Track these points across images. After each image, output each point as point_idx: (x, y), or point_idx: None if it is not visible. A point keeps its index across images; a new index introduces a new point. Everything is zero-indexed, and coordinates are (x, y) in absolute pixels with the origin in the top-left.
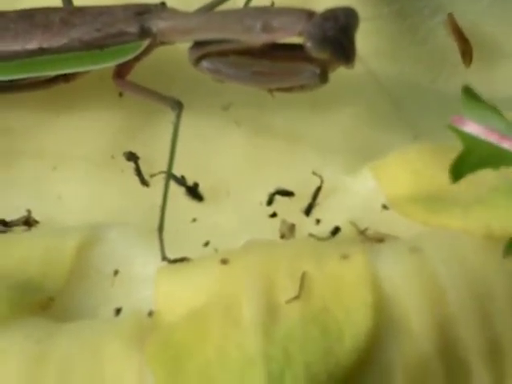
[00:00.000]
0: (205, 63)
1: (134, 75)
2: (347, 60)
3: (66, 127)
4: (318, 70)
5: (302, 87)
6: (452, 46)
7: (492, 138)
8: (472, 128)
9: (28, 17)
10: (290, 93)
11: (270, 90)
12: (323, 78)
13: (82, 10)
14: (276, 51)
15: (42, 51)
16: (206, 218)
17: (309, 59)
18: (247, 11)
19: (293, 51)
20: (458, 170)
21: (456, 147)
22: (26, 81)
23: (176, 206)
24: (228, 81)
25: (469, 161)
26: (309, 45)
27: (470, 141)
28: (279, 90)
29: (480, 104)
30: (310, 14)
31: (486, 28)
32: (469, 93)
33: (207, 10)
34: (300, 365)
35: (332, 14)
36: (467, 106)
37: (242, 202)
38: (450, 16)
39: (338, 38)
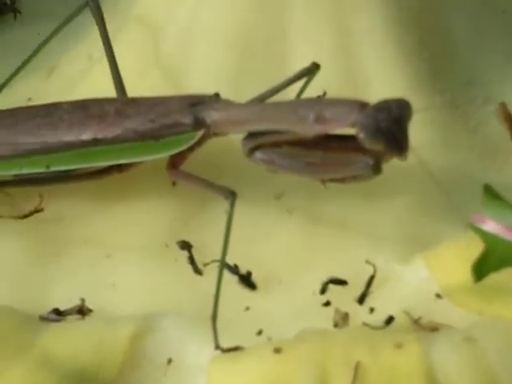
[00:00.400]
0: (258, 154)
1: (188, 165)
2: (400, 152)
3: (120, 216)
4: (371, 161)
5: (355, 178)
6: (504, 135)
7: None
8: (492, 227)
9: (83, 108)
10: (343, 184)
11: (323, 181)
12: (376, 169)
13: (136, 100)
14: (329, 142)
15: (96, 142)
16: (259, 307)
17: (362, 150)
18: (300, 102)
19: (346, 142)
20: (481, 269)
21: None
22: (80, 171)
23: (229, 294)
24: (282, 171)
25: (491, 260)
26: (362, 136)
27: (490, 240)
28: (332, 180)
29: (500, 202)
30: (362, 105)
31: None
32: (489, 191)
33: (260, 100)
34: None
35: (385, 105)
36: (488, 205)
37: (294, 291)
38: (502, 105)
39: (391, 129)
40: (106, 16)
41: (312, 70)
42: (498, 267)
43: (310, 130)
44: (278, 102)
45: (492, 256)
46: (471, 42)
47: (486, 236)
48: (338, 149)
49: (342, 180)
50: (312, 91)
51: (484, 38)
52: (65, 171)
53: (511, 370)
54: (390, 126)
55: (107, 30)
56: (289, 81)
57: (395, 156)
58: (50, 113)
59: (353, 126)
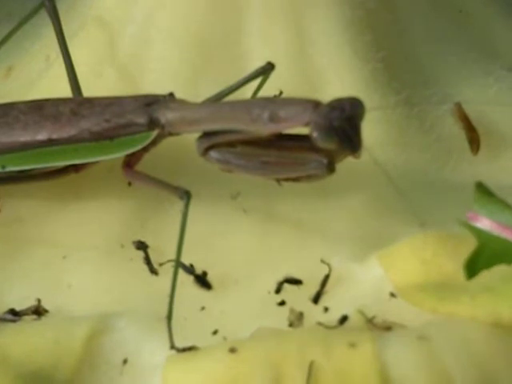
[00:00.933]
0: (213, 154)
1: (142, 165)
2: (354, 150)
3: (76, 216)
4: (325, 160)
5: (309, 177)
6: (459, 134)
7: (505, 233)
8: (485, 224)
9: (38, 108)
10: (298, 183)
11: (278, 180)
12: (330, 168)
13: (91, 101)
14: (283, 141)
15: (51, 142)
16: (215, 307)
17: (316, 149)
18: (254, 102)
19: (300, 141)
20: (473, 266)
21: (463, 236)
22: (36, 171)
23: (185, 294)
24: (236, 171)
25: (483, 257)
26: (315, 135)
27: (483, 237)
28: (287, 179)
29: (493, 199)
30: (316, 104)
31: (493, 116)
32: (481, 188)
33: (215, 100)
34: None
35: (338, 104)
36: (480, 202)
37: (250, 290)
38: (458, 105)
39: (344, 128)
40: (63, 16)
41: (267, 69)
42: (490, 264)
43: (264, 129)
44: (233, 101)
45: (485, 253)
46: (427, 41)
47: (479, 233)
48: (292, 148)
49: (296, 179)
50: (268, 91)
51: (440, 37)
52: (20, 171)
53: (465, 368)
54: (343, 125)
55: (63, 31)
56: (244, 80)
57: (349, 154)
58: (6, 113)
59: (306, 125)
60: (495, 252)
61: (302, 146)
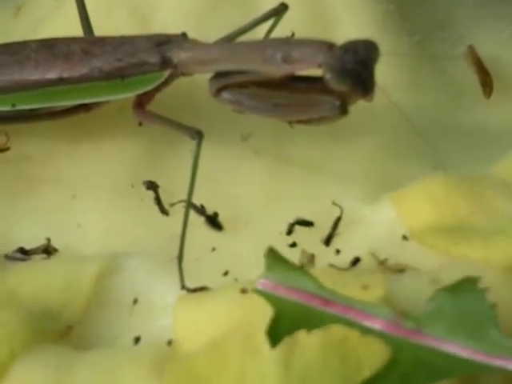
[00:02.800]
0: (225, 94)
1: (154, 105)
2: (366, 92)
3: (86, 156)
4: (337, 102)
5: (321, 119)
6: (473, 77)
7: (302, 298)
8: (280, 290)
9: (49, 46)
10: (310, 125)
11: (290, 122)
12: (343, 110)
13: (102, 40)
14: (296, 83)
15: (62, 81)
16: (226, 248)
17: (328, 91)
18: (268, 42)
19: (313, 83)
20: (274, 335)
21: (477, 177)
22: (47, 110)
23: (195, 235)
24: (248, 112)
25: (283, 324)
26: (328, 76)
27: (280, 304)
28: (299, 122)
29: (284, 264)
30: (330, 46)
31: (506, 59)
32: (272, 254)
33: (227, 40)
34: None
35: (352, 46)
36: (272, 268)
37: (261, 232)
38: (471, 48)
39: (357, 70)
40: None
41: (280, 10)
42: (290, 330)
43: (278, 70)
44: (246, 41)
45: (283, 320)
46: None
47: (273, 300)
48: (304, 90)
49: (308, 121)
50: (280, 32)
51: None
52: (31, 110)
53: None
54: (356, 67)
55: None
56: (257, 21)
57: (361, 97)
58: (17, 51)
59: (319, 66)
60: (294, 318)
61: (314, 87)
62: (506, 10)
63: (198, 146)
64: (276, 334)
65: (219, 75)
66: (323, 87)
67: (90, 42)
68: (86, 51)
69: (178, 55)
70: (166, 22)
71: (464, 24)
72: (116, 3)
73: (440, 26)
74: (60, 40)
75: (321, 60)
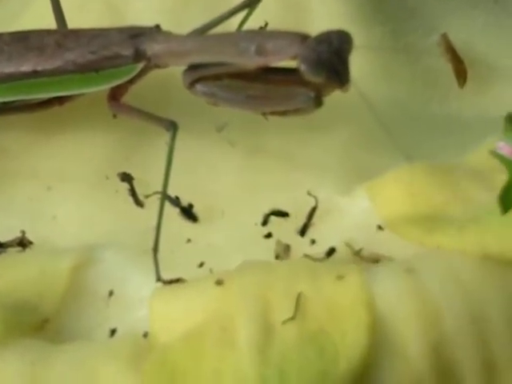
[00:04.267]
0: (199, 87)
1: (128, 97)
2: (341, 83)
3: (61, 148)
4: (312, 94)
5: (296, 111)
6: (446, 66)
7: None
8: None
9: (22, 39)
10: (285, 117)
11: (265, 114)
12: (318, 101)
13: (76, 32)
14: (270, 75)
15: (36, 74)
16: (201, 239)
17: (303, 83)
18: (242, 34)
19: (287, 75)
20: (507, 198)
21: (451, 166)
22: (20, 103)
23: (171, 226)
24: (222, 104)
25: None
26: (303, 68)
27: None
28: (273, 113)
29: None
30: (303, 37)
31: (480, 48)
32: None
33: (201, 32)
34: None
35: (326, 37)
36: (510, 132)
37: (236, 223)
38: (444, 36)
39: (332, 61)
40: None
41: (253, 1)
42: None
43: (251, 62)
44: (220, 33)
45: None
46: None
47: (509, 164)
48: (279, 82)
49: (283, 113)
50: (253, 23)
51: None
52: (4, 103)
53: (452, 300)
54: (331, 58)
55: None
56: (231, 12)
57: (336, 88)
58: None
59: (294, 58)
60: None
61: (289, 79)
62: None
63: (173, 137)
64: (509, 198)
65: (193, 67)
66: (298, 79)
67: (63, 35)
68: (60, 44)
69: (152, 48)
70: (140, 15)
71: (437, 13)
72: None
73: (412, 15)
74: (33, 33)
75: (295, 52)
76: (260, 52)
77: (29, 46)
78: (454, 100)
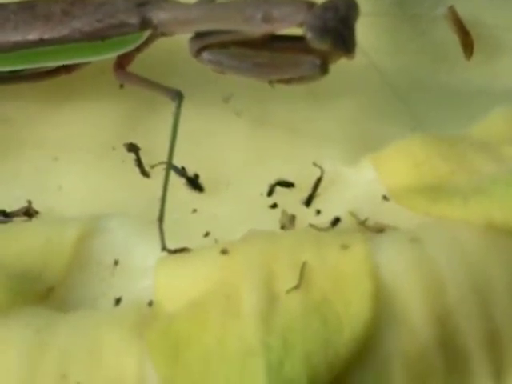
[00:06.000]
0: (205, 55)
1: (135, 67)
2: (347, 51)
3: (67, 118)
4: (318, 61)
5: (302, 79)
6: (453, 38)
7: None
8: None
9: (29, 8)
10: (291, 85)
11: (271, 82)
12: (323, 69)
13: (83, 1)
14: (276, 43)
15: (42, 42)
16: (207, 209)
17: (309, 50)
18: (248, 2)
19: (293, 43)
20: None
21: (457, 137)
22: (27, 72)
23: (176, 196)
24: (229, 72)
25: None
26: (309, 35)
27: None
28: (280, 81)
29: None
30: (310, 5)
31: (487, 20)
32: None
33: (208, 0)
34: (299, 355)
35: (332, 5)
36: None
37: (242, 193)
38: (451, 8)
39: (338, 28)
40: None
41: None
42: None
43: (258, 29)
44: (226, 1)
45: None
46: None
47: None
48: (285, 49)
49: (289, 81)
50: None
51: None
52: (11, 72)
53: (456, 269)
54: (337, 25)
55: None
56: None
57: (342, 55)
58: None
59: (300, 25)
60: None
61: (295, 47)
62: None
63: (178, 107)
64: None
65: (199, 35)
66: (304, 46)
67: (70, 3)
68: (67, 12)
69: (158, 16)
70: None
71: None
72: None
73: None
74: (40, 2)
75: (301, 19)
76: (266, 19)
77: (35, 15)
78: (460, 72)
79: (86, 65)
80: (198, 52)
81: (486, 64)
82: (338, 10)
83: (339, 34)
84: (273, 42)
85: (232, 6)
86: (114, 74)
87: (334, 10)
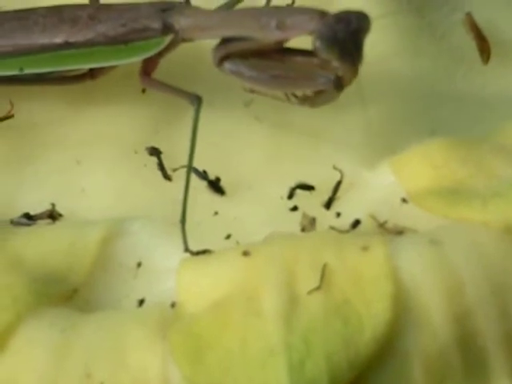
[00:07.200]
0: (227, 65)
1: (160, 73)
2: (353, 64)
3: (90, 122)
4: (332, 77)
5: (317, 98)
6: (470, 44)
7: None
8: None
9: (57, 12)
10: (305, 105)
11: (287, 96)
12: (338, 84)
13: (108, 6)
14: (294, 56)
15: (68, 45)
16: (228, 212)
17: (325, 67)
18: (264, 10)
19: (310, 58)
20: None
21: (475, 141)
22: (54, 75)
23: (198, 199)
24: (248, 82)
25: None
26: (317, 44)
27: None
28: (296, 99)
29: None
30: (322, 14)
31: (503, 26)
32: None
33: (228, 7)
34: (321, 354)
35: (345, 17)
36: None
37: (263, 196)
38: (469, 14)
39: (346, 40)
40: None
41: None
42: None
43: (272, 36)
44: (244, 9)
45: None
46: None
47: None
48: (302, 63)
49: (305, 99)
50: (281, 0)
51: None
52: (38, 74)
53: (475, 271)
54: (346, 37)
55: None
56: None
57: (347, 67)
58: (26, 17)
59: (311, 33)
60: None
61: (311, 61)
62: None
63: (197, 111)
64: None
65: (221, 44)
66: (320, 63)
67: (96, 9)
68: (92, 17)
69: (179, 21)
70: None
71: None
72: None
73: None
74: (68, 6)
75: (312, 27)
76: (280, 27)
77: (63, 19)
78: (478, 77)
79: (110, 70)
80: (220, 62)
81: (503, 69)
82: (350, 22)
83: (347, 46)
84: (291, 55)
85: (249, 13)
86: (139, 80)
87: (345, 22)
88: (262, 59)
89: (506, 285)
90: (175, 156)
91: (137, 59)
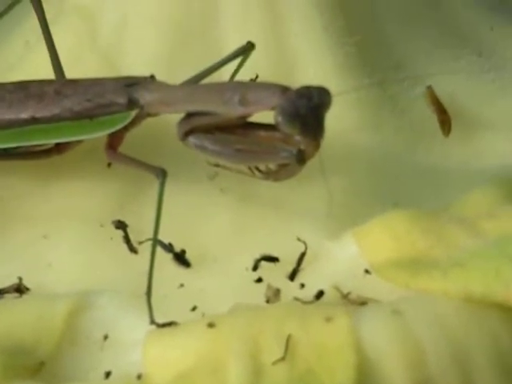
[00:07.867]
0: (191, 139)
1: (125, 147)
2: (314, 139)
3: (57, 196)
4: (294, 151)
5: (280, 172)
6: (431, 117)
7: None
8: None
9: (23, 88)
10: (268, 180)
11: (251, 170)
12: (300, 158)
13: (74, 81)
14: (257, 131)
15: (34, 120)
16: (194, 284)
17: (287, 141)
18: (228, 85)
19: (273, 132)
20: None
21: (436, 213)
22: (20, 150)
23: (164, 272)
24: (212, 157)
25: None
26: (279, 119)
27: None
28: (259, 173)
29: None
30: (284, 90)
31: (463, 99)
32: None
33: (194, 81)
34: None
35: (306, 92)
36: None
37: (228, 268)
38: (430, 88)
39: (308, 115)
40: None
41: (247, 49)
42: None
43: (235, 111)
44: (208, 84)
45: None
46: (400, 26)
47: None
48: (265, 137)
49: (268, 174)
50: (245, 75)
51: (412, 23)
52: (5, 149)
53: (437, 342)
54: (307, 113)
55: (45, 16)
56: (224, 60)
57: (309, 141)
58: None
59: (273, 109)
60: None
61: (274, 136)
62: (462, 52)
63: (162, 184)
64: None
65: (185, 119)
66: (283, 137)
67: (62, 84)
68: (58, 92)
69: (144, 96)
70: (134, 66)
71: (423, 65)
72: (85, 49)
73: (399, 66)
74: (34, 82)
75: (274, 103)
76: (243, 102)
77: (29, 94)
78: (439, 149)
79: (76, 145)
80: (184, 136)
81: (464, 141)
82: (312, 97)
83: (308, 121)
84: (253, 129)
85: (213, 88)
86: (104, 154)
87: (307, 98)
88: (225, 133)
89: (467, 354)
90: (141, 229)
91: (102, 134)
